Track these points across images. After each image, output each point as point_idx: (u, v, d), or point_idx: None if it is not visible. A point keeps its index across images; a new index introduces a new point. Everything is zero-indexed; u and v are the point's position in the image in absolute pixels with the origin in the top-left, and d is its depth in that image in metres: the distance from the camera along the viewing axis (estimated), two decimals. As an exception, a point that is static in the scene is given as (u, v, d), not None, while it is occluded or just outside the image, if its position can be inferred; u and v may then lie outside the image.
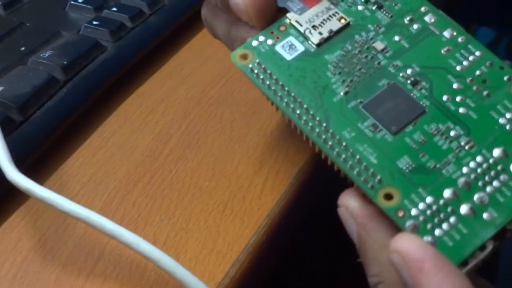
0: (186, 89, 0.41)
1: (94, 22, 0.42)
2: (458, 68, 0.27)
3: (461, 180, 0.24)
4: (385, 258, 0.23)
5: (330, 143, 0.25)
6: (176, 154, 0.36)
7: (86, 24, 0.42)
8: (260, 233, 0.31)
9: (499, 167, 0.24)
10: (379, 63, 0.27)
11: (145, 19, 0.44)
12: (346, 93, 0.26)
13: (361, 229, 0.24)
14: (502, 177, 0.24)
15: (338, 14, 0.28)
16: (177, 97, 0.40)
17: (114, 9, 0.44)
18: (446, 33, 0.28)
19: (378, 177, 0.24)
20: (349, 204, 0.25)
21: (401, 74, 0.27)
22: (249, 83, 0.40)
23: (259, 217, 0.32)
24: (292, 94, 0.27)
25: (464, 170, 0.24)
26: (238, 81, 0.42)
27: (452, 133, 0.25)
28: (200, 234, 0.31)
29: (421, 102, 0.26)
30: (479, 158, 0.24)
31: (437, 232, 0.23)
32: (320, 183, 0.37)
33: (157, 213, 0.32)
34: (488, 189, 0.24)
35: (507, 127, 0.25)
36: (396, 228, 0.24)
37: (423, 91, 0.26)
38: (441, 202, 0.24)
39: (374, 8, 0.29)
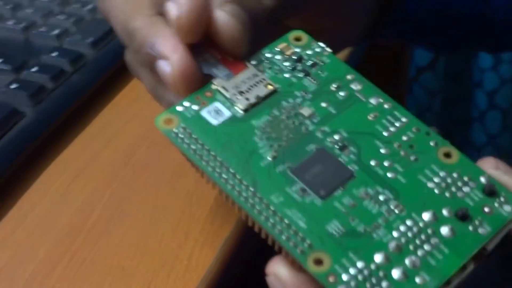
0: (109, 153, 0.40)
1: (13, 85, 0.41)
2: (385, 133, 0.26)
3: (392, 244, 0.24)
4: None
5: (257, 208, 0.24)
6: (99, 229, 0.35)
7: (3, 88, 0.41)
8: (184, 318, 0.30)
9: (429, 231, 0.24)
10: (306, 128, 0.27)
11: (67, 78, 0.43)
12: (274, 157, 0.26)
13: None
14: (432, 240, 0.24)
15: (265, 80, 0.28)
16: (100, 163, 0.39)
17: (34, 69, 0.42)
18: (373, 100, 0.27)
19: (308, 242, 0.23)
20: (278, 271, 0.24)
21: (329, 140, 0.26)
22: (174, 147, 0.39)
23: (183, 298, 0.31)
24: (219, 159, 0.26)
25: (395, 234, 0.24)
26: (164, 142, 0.41)
27: (381, 197, 0.25)
28: (121, 322, 0.30)
29: (349, 167, 0.25)
30: (409, 222, 0.24)
31: None
32: (248, 253, 0.36)
33: (77, 300, 0.31)
34: (420, 252, 0.23)
35: (436, 191, 0.25)
36: None
37: (351, 156, 0.26)
38: (373, 266, 0.23)
39: (301, 75, 0.28)
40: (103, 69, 0.45)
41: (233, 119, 0.27)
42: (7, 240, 0.34)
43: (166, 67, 0.28)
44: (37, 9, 0.48)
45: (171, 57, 0.28)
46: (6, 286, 0.32)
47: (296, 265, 0.24)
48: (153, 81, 0.31)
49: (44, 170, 0.39)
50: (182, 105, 0.27)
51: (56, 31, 0.46)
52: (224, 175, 0.25)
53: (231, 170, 0.25)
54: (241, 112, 0.27)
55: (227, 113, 0.27)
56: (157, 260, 0.33)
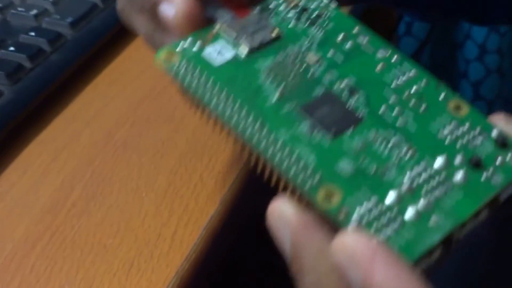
0: (90, 132, 0.39)
1: (-11, 65, 0.40)
2: (393, 83, 0.26)
3: (405, 185, 0.22)
4: (324, 266, 0.21)
5: (264, 142, 0.23)
6: (79, 207, 0.34)
7: (-20, 67, 0.40)
8: (168, 294, 0.29)
9: (442, 175, 0.23)
10: (312, 74, 0.26)
11: (46, 58, 0.42)
12: (280, 96, 0.25)
13: (296, 237, 0.22)
14: (446, 184, 0.23)
15: (270, 26, 0.27)
16: (80, 142, 0.38)
17: (11, 48, 0.41)
18: (380, 52, 0.27)
19: (317, 176, 0.22)
20: (284, 210, 0.22)
21: (336, 85, 0.25)
22: (157, 122, 0.38)
23: (167, 276, 0.30)
24: (224, 92, 0.24)
25: (407, 175, 0.23)
26: (147, 119, 0.40)
27: (392, 141, 0.24)
28: (104, 300, 0.29)
29: (358, 112, 0.25)
30: (421, 165, 0.23)
31: (381, 235, 0.21)
32: (231, 233, 0.35)
33: (57, 278, 0.30)
34: (434, 195, 0.22)
35: (447, 139, 0.24)
36: (336, 234, 0.22)
37: (360, 101, 0.25)
38: (385, 204, 0.22)
39: (306, 25, 0.28)
40: (83, 49, 0.44)
41: (236, 61, 0.26)
42: (-15, 219, 0.33)
43: (169, 10, 0.27)
44: (14, -11, 0.47)
45: (176, 0, 0.27)
46: (-16, 264, 0.31)
47: (303, 203, 0.22)
48: (151, 28, 0.30)
49: (23, 150, 0.38)
50: (185, 42, 0.26)
51: (34, 11, 0.45)
52: (229, 109, 0.24)
53: (236, 105, 0.24)
54: (245, 54, 0.26)
55: (229, 54, 0.26)
56: (140, 238, 0.32)
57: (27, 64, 0.41)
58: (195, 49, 0.26)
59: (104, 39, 0.46)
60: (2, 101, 0.38)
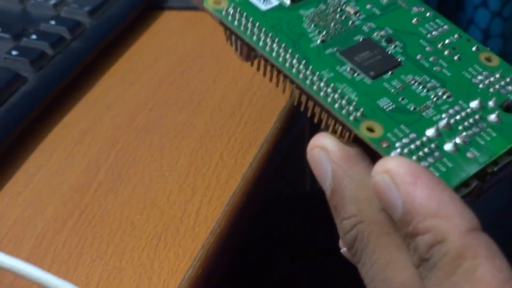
0: (112, 116, 0.40)
1: (13, 52, 0.41)
2: (428, 35, 0.28)
3: (443, 121, 0.24)
4: (365, 196, 0.22)
5: (310, 78, 0.25)
6: (106, 187, 0.35)
7: (4, 55, 0.41)
8: (196, 267, 0.31)
9: (476, 116, 0.25)
10: (352, 22, 0.28)
11: (67, 45, 0.43)
12: (323, 41, 0.27)
13: (338, 168, 0.23)
14: (480, 124, 0.25)
15: None
16: (103, 125, 0.39)
17: (34, 36, 0.43)
18: (415, 8, 0.29)
19: (361, 110, 0.24)
20: (325, 143, 0.23)
21: (375, 33, 0.27)
22: (176, 105, 0.40)
23: (193, 250, 0.32)
24: (270, 35, 0.26)
25: (444, 115, 0.25)
26: (166, 103, 0.41)
27: (429, 85, 0.26)
28: (134, 272, 0.31)
29: (397, 57, 0.27)
30: (457, 107, 0.25)
31: (422, 163, 0.23)
32: (254, 207, 0.36)
33: (88, 253, 0.32)
34: (469, 132, 0.24)
35: (480, 86, 0.26)
36: None
37: (398, 48, 0.27)
38: (425, 138, 0.24)
39: None
40: (101, 36, 0.45)
41: (281, 7, 0.28)
42: (15, 200, 0.35)
43: None
44: (32, -20, 0.48)
45: None
46: (17, 242, 0.32)
47: (345, 139, 0.24)
48: None
49: (48, 134, 0.39)
50: None
51: (53, 1, 0.46)
52: (276, 49, 0.26)
53: (282, 45, 0.26)
54: (289, 2, 0.28)
55: (275, 1, 0.28)
56: (166, 215, 0.34)
57: (50, 52, 0.42)
58: None
59: (121, 27, 0.47)
60: (27, 87, 0.39)
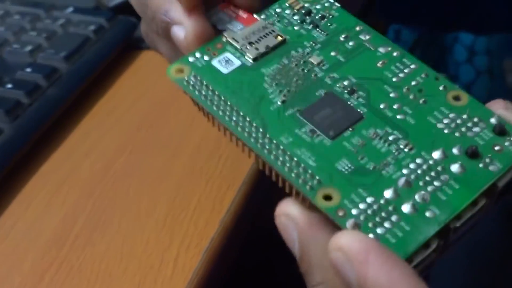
0: (90, 163, 0.40)
1: (-12, 103, 0.41)
2: (394, 79, 0.27)
3: (402, 180, 0.24)
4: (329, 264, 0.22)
5: (267, 148, 0.25)
6: (83, 238, 0.35)
7: (-21, 106, 0.41)
8: (174, 318, 0.31)
9: (439, 168, 0.24)
10: (315, 75, 0.27)
11: (43, 93, 0.43)
12: (283, 102, 0.26)
13: (303, 236, 0.23)
14: (442, 176, 0.24)
15: (275, 32, 0.29)
16: (81, 174, 0.39)
17: (9, 85, 0.43)
18: (381, 49, 0.28)
19: (317, 178, 0.24)
20: (290, 211, 0.24)
21: (337, 85, 0.27)
22: (155, 148, 0.40)
23: (171, 300, 0.31)
24: (229, 103, 0.26)
25: (404, 171, 0.24)
26: (144, 147, 0.41)
27: (390, 137, 0.25)
28: (112, 327, 0.30)
29: (358, 110, 0.26)
30: (418, 160, 0.24)
31: (379, 230, 0.23)
32: (232, 253, 0.36)
33: (66, 308, 0.31)
34: (430, 188, 0.24)
35: (445, 131, 0.25)
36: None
37: (360, 99, 0.26)
38: (382, 201, 0.23)
39: (310, 27, 0.29)
40: (78, 81, 0.45)
41: (243, 67, 0.28)
42: (-8, 255, 0.34)
43: (180, 32, 0.28)
44: (8, 27, 0.48)
45: (185, 22, 0.28)
46: (-6, 299, 0.32)
47: (307, 204, 0.24)
48: (170, 49, 0.32)
49: (26, 184, 0.39)
50: (194, 56, 0.28)
51: (29, 48, 0.46)
52: (234, 118, 0.26)
53: (241, 113, 0.26)
54: (251, 61, 0.28)
55: (237, 62, 0.28)
56: (144, 264, 0.33)
57: (25, 100, 0.42)
58: (203, 62, 0.28)
59: (98, 71, 0.47)
60: (3, 138, 0.39)
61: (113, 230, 0.35)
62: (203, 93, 0.27)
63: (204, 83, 0.27)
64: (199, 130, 0.42)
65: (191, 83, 0.27)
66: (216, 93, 0.27)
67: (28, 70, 0.44)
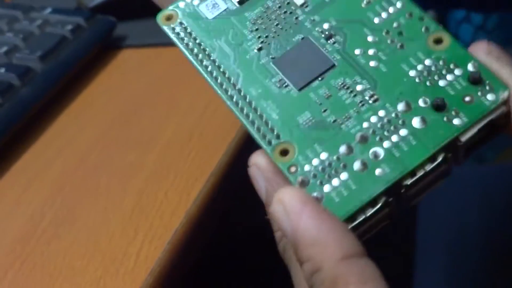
0: (63, 160, 0.40)
1: (-39, 104, 0.41)
2: (376, 20, 0.26)
3: (358, 135, 0.24)
4: None
5: (235, 98, 0.26)
6: (49, 234, 0.35)
7: (-48, 107, 0.41)
8: (133, 310, 0.30)
9: (400, 121, 0.24)
10: (297, 18, 0.27)
11: (16, 93, 0.43)
12: (259, 49, 0.27)
13: (268, 184, 0.25)
14: (402, 131, 0.23)
15: None
16: (53, 171, 0.39)
17: (-17, 86, 0.43)
18: None
19: (275, 132, 0.24)
20: (258, 161, 0.25)
21: (316, 29, 0.27)
22: (127, 145, 0.40)
23: (131, 292, 0.31)
24: (207, 52, 0.27)
25: (364, 124, 0.24)
26: (116, 143, 0.41)
27: (358, 87, 0.25)
28: (71, 320, 0.30)
29: (332, 57, 0.26)
30: (381, 112, 0.24)
31: (325, 188, 0.23)
32: (198, 245, 0.36)
33: (27, 303, 0.31)
34: (386, 144, 0.23)
35: (417, 80, 0.24)
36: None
37: (336, 45, 0.26)
38: (335, 157, 0.24)
39: None
40: (53, 81, 0.45)
41: (228, 12, 0.28)
42: (-42, 253, 0.34)
43: None
44: (-15, 29, 0.49)
45: None
46: (-43, 296, 0.32)
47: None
48: None
49: (-4, 183, 0.39)
50: (184, 1, 0.29)
51: (4, 49, 0.46)
52: (210, 68, 0.26)
53: (217, 63, 0.26)
54: (236, 4, 0.28)
55: (223, 6, 0.28)
56: (107, 258, 0.33)
57: (-1, 100, 0.42)
58: (191, 7, 0.28)
59: (74, 70, 0.47)
60: (-26, 138, 0.39)
61: (79, 225, 0.35)
62: (185, 41, 0.27)
63: (188, 30, 0.27)
64: (171, 126, 0.42)
65: (177, 30, 0.28)
66: (197, 41, 0.27)
67: (2, 70, 0.44)
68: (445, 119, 0.23)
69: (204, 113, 0.43)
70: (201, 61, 0.27)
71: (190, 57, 0.27)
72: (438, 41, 0.25)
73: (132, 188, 0.37)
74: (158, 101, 0.45)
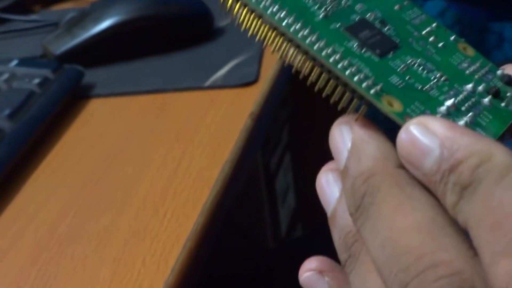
0: (34, 228, 0.39)
1: None
2: (412, 21, 0.28)
3: (450, 101, 0.24)
4: (381, 155, 0.23)
5: (325, 50, 0.24)
6: (26, 312, 0.34)
7: None
8: None
9: (473, 99, 0.25)
10: (345, 2, 0.27)
11: (-15, 156, 0.42)
12: (325, 16, 0.26)
13: (358, 136, 0.24)
14: (477, 107, 0.25)
15: None
16: (25, 241, 0.39)
17: (-50, 152, 0.42)
18: None
19: (380, 85, 0.24)
20: (347, 120, 0.24)
21: (368, 15, 0.27)
22: (100, 208, 0.39)
23: None
24: (280, 6, 0.26)
25: (447, 95, 0.25)
26: (89, 207, 0.41)
27: (427, 66, 0.26)
28: None
29: (392, 38, 0.26)
30: (453, 90, 0.25)
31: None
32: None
33: None
34: (471, 113, 0.24)
35: (466, 72, 0.26)
36: None
37: (391, 31, 0.27)
38: (439, 115, 0.24)
39: None
40: (23, 140, 0.44)
41: None
42: None
43: None
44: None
45: None
46: None
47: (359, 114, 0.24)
48: None
49: (-32, 256, 0.38)
50: None
51: (-29, 108, 0.46)
52: (287, 20, 0.25)
53: (291, 18, 0.25)
54: None
55: None
56: (86, 338, 0.33)
57: (-34, 167, 0.41)
58: None
59: (43, 126, 0.46)
60: None
61: (56, 300, 0.35)
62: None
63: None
64: (144, 184, 0.42)
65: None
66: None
67: (-31, 133, 0.43)
68: (503, 104, 0.25)
69: (177, 168, 0.43)
70: (276, 13, 0.25)
71: (266, 13, 0.26)
72: (465, 49, 0.28)
73: (109, 255, 0.37)
74: (129, 155, 0.45)
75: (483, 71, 0.27)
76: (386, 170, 0.23)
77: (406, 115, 0.23)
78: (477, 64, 0.27)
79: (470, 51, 0.27)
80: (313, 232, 0.70)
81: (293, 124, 0.95)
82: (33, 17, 0.67)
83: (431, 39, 0.27)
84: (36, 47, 0.58)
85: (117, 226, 0.39)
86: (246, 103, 0.49)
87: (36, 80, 0.48)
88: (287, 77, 0.55)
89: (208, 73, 0.52)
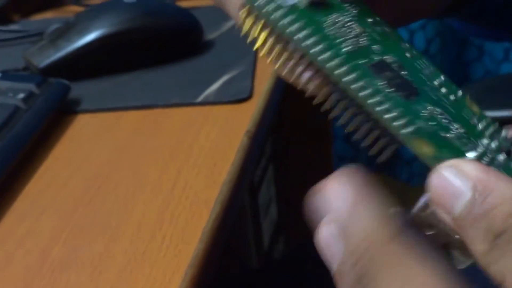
0: (24, 254, 0.37)
1: None
2: (423, 71, 0.26)
3: (472, 154, 0.23)
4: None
5: (356, 84, 0.24)
6: None
7: None
8: None
9: (489, 155, 0.24)
10: (362, 42, 0.26)
11: (-31, 177, 0.40)
12: (352, 50, 0.25)
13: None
14: (495, 163, 0.24)
15: None
16: (14, 268, 0.37)
17: None
18: (403, 44, 0.27)
19: (414, 126, 0.23)
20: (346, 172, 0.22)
21: (384, 57, 0.26)
22: (92, 232, 0.37)
23: None
24: (316, 35, 0.25)
25: (469, 147, 0.24)
26: (81, 231, 0.39)
27: (446, 116, 0.25)
28: None
29: (411, 83, 0.25)
30: (471, 143, 0.24)
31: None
32: None
33: None
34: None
35: (478, 128, 0.25)
36: None
37: (408, 76, 0.26)
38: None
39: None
40: (8, 159, 0.42)
41: (296, 7, 0.26)
42: None
43: None
44: None
45: None
46: None
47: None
48: None
49: (-46, 285, 0.36)
50: None
51: (-47, 125, 0.43)
52: (317, 48, 0.25)
53: (320, 46, 0.25)
54: (304, 4, 0.26)
55: (291, 1, 0.26)
56: None
57: (-50, 189, 0.39)
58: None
59: (29, 143, 0.44)
60: None
61: (50, 334, 0.33)
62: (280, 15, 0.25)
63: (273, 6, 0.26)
64: (139, 205, 0.40)
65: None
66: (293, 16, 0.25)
67: (-48, 152, 0.41)
68: None
69: (173, 189, 0.41)
70: (305, 39, 0.25)
71: (295, 38, 0.25)
72: (472, 105, 0.26)
73: (104, 284, 0.35)
74: (121, 175, 0.43)
75: (491, 129, 0.26)
76: (380, 245, 0.21)
77: (437, 159, 0.23)
78: (484, 122, 0.26)
79: (475, 108, 0.26)
80: (297, 248, 0.69)
81: (276, 137, 0.94)
82: (12, 27, 0.65)
83: (443, 91, 0.26)
84: (18, 59, 0.56)
85: (112, 252, 0.37)
86: (240, 120, 0.48)
87: (21, 95, 0.46)
88: (281, 92, 0.54)
89: (200, 89, 0.51)
